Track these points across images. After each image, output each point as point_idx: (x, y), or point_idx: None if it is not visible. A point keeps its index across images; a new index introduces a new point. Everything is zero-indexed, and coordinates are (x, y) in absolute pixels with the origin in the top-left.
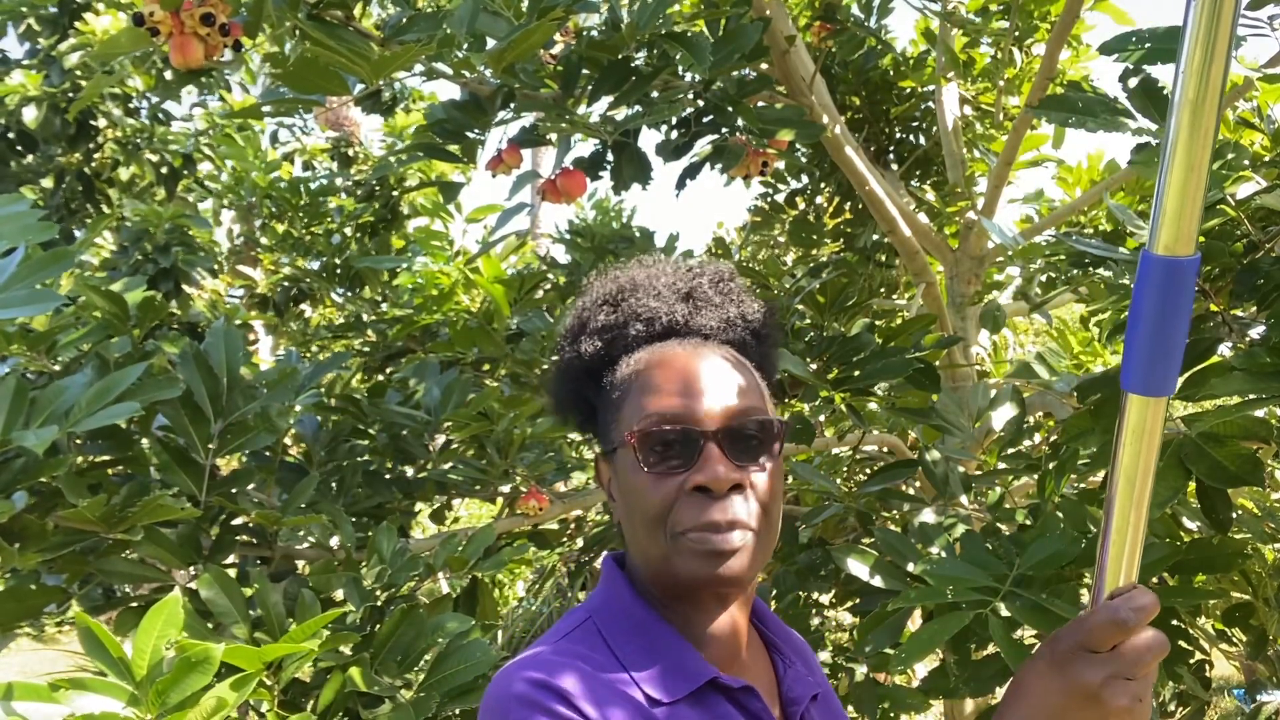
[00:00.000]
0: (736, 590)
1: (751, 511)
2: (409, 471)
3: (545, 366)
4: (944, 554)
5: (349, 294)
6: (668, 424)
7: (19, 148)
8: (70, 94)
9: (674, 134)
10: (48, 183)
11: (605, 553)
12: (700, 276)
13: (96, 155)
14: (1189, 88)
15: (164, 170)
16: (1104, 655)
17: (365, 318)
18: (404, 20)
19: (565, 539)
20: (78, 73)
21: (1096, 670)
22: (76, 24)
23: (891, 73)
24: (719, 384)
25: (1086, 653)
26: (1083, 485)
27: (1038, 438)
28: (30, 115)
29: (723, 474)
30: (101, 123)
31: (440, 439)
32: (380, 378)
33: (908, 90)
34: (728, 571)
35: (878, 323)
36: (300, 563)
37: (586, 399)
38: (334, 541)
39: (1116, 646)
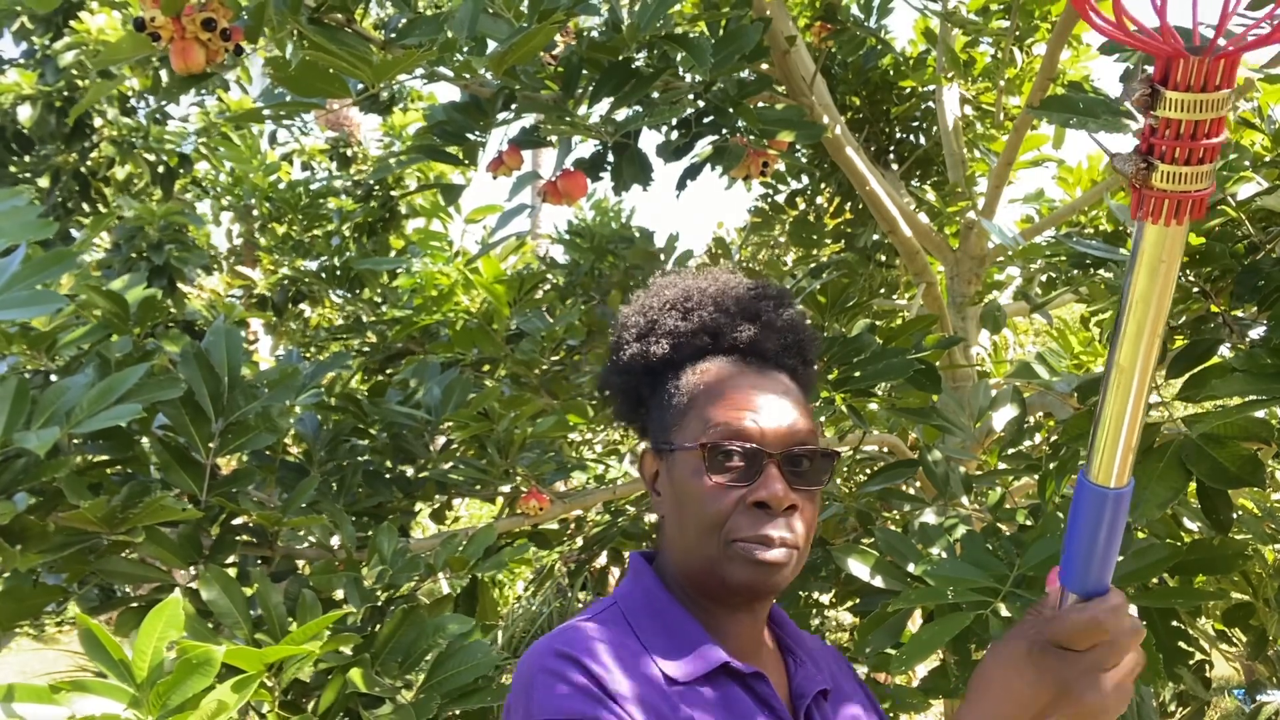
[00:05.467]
0: (770, 598)
1: (798, 532)
2: (409, 471)
3: (598, 358)
4: (944, 554)
5: (348, 295)
6: (737, 440)
7: (14, 147)
8: (65, 92)
9: (674, 135)
10: (44, 182)
11: (631, 552)
12: (766, 300)
13: (92, 154)
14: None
15: (160, 170)
16: (1080, 652)
17: (365, 319)
18: (404, 23)
19: (565, 539)
20: (73, 71)
21: (1073, 667)
22: (71, 22)
23: (891, 73)
24: (784, 409)
25: (1062, 650)
26: None
27: (1038, 438)
28: (25, 114)
29: (782, 493)
30: (97, 122)
31: (440, 439)
32: (380, 378)
33: (908, 90)
34: (770, 582)
35: (878, 323)
36: (301, 562)
37: (639, 393)
38: (334, 541)
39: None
